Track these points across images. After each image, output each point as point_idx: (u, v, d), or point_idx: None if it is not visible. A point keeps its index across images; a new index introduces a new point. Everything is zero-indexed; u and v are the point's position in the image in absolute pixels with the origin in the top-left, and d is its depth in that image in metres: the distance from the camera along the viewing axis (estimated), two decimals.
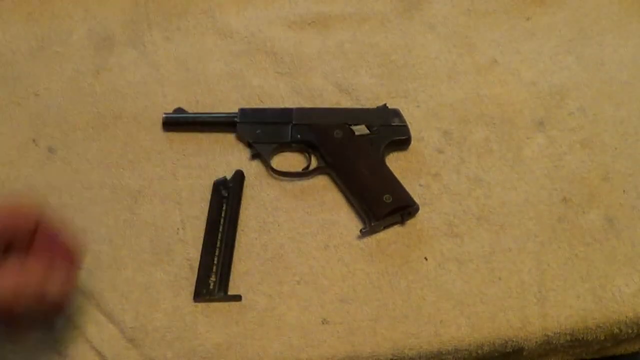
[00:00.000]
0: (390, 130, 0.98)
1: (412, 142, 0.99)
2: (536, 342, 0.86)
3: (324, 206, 0.95)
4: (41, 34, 1.10)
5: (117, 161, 0.98)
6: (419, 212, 0.93)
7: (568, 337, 0.87)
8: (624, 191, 0.96)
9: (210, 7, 1.14)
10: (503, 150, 0.99)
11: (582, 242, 0.92)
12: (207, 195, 0.95)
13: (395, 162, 0.98)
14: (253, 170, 0.98)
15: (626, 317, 0.87)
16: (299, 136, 0.98)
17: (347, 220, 0.94)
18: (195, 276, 0.89)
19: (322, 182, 0.97)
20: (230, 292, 0.88)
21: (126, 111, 1.03)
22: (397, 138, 0.98)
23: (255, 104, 1.04)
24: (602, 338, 0.88)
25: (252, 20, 1.13)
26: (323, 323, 0.86)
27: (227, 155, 0.99)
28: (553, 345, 0.87)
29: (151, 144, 1.00)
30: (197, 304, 0.87)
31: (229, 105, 1.04)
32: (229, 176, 0.96)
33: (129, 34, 1.10)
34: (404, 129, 0.99)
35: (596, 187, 0.96)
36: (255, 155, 0.99)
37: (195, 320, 0.86)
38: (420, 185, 0.96)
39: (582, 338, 0.87)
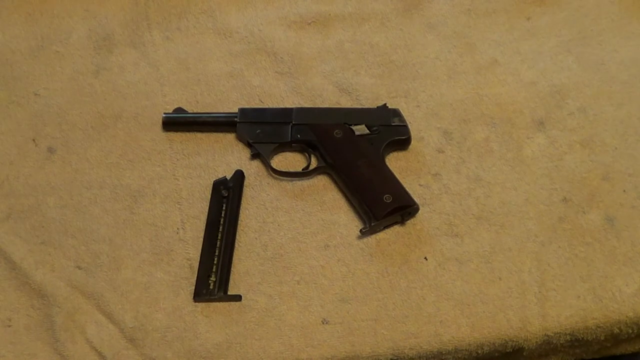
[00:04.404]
0: (390, 130, 0.98)
1: (412, 142, 0.99)
2: (536, 342, 0.86)
3: (324, 206, 0.95)
4: (41, 34, 1.10)
5: (117, 161, 0.98)
6: (419, 212, 0.93)
7: (568, 337, 0.87)
8: (624, 191, 0.96)
9: (210, 7, 1.13)
10: (503, 150, 0.99)
11: (582, 242, 0.92)
12: (207, 195, 0.95)
13: (395, 162, 0.98)
14: (253, 170, 0.98)
15: (626, 317, 0.87)
16: (299, 136, 0.98)
17: (347, 220, 0.94)
18: (195, 276, 0.89)
19: (322, 182, 0.97)
20: (230, 292, 0.88)
21: (126, 111, 1.03)
22: (397, 138, 0.98)
23: (255, 104, 1.04)
24: (602, 338, 0.88)
25: (252, 20, 1.13)
26: (323, 323, 0.86)
27: (227, 155, 0.99)
28: (553, 345, 0.87)
29: (151, 144, 1.00)
30: (197, 304, 0.87)
31: (229, 105, 1.04)
32: (229, 176, 0.96)
33: (129, 33, 1.10)
34: (404, 129, 0.99)
35: (596, 187, 0.96)
36: (255, 155, 0.99)
37: (195, 320, 0.86)
38: (420, 185, 0.96)
39: (582, 338, 0.87)
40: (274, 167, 0.97)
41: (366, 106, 1.03)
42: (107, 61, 1.08)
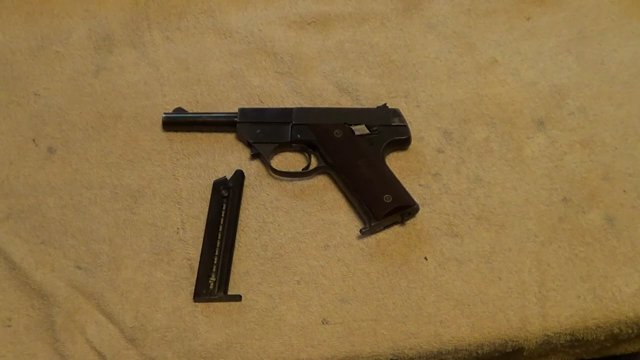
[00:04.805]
0: (390, 130, 0.98)
1: (412, 142, 0.99)
2: (536, 342, 0.86)
3: (324, 206, 0.95)
4: (41, 34, 1.10)
5: (117, 161, 0.98)
6: (419, 212, 0.93)
7: (568, 337, 0.87)
8: (624, 191, 0.96)
9: (210, 7, 1.13)
10: (503, 150, 0.99)
11: (582, 242, 0.92)
12: (207, 195, 0.95)
13: (395, 162, 0.98)
14: (253, 170, 0.98)
15: (626, 317, 0.87)
16: (299, 136, 0.98)
17: (347, 220, 0.94)
18: (195, 276, 0.89)
19: (322, 182, 0.97)
20: (230, 292, 0.88)
21: (126, 111, 1.03)
22: (397, 138, 0.98)
23: (255, 104, 1.04)
24: (602, 338, 0.88)
25: (252, 20, 1.13)
26: (323, 323, 0.86)
27: (227, 155, 0.99)
28: (553, 345, 0.87)
29: (151, 144, 1.00)
30: (197, 304, 0.87)
31: (229, 105, 1.04)
32: (229, 176, 0.96)
33: (129, 33, 1.10)
34: (404, 129, 0.99)
35: (596, 187, 0.96)
36: (255, 155, 0.99)
37: (195, 320, 0.86)
38: (420, 185, 0.96)
39: (582, 338, 0.87)
40: (274, 167, 0.97)
41: (366, 106, 1.03)
42: (107, 61, 1.08)
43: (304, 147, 0.98)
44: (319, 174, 0.98)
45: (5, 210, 0.94)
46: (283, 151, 1.00)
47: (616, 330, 0.87)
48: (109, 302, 0.87)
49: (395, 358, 0.85)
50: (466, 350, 0.86)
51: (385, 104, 1.02)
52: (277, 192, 0.96)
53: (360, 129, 0.98)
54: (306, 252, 0.91)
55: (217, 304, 0.87)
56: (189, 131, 1.01)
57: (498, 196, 0.95)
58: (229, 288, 0.88)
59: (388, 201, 0.91)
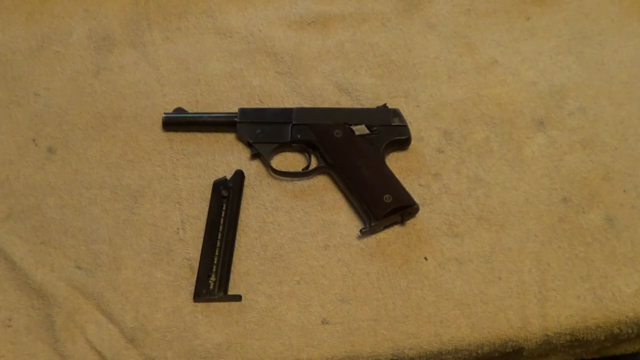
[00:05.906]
0: (390, 130, 0.98)
1: (412, 142, 0.99)
2: (536, 342, 0.86)
3: (324, 206, 0.95)
4: (41, 34, 1.10)
5: (117, 161, 0.98)
6: (419, 212, 0.93)
7: (568, 337, 0.87)
8: (624, 191, 0.96)
9: (210, 7, 1.14)
10: (503, 150, 0.99)
11: (582, 242, 0.92)
12: (207, 195, 0.95)
13: (395, 162, 0.98)
14: (253, 170, 0.98)
15: (626, 317, 0.87)
16: (299, 136, 0.98)
17: (347, 220, 0.94)
18: (195, 276, 0.89)
19: (322, 182, 0.97)
20: (230, 292, 0.88)
21: (126, 111, 1.03)
22: (397, 138, 0.98)
23: (255, 104, 1.04)
24: (602, 338, 0.88)
25: (252, 20, 1.13)
26: (323, 323, 0.86)
27: (227, 155, 0.99)
28: (553, 345, 0.87)
29: (151, 144, 1.00)
30: (197, 304, 0.87)
31: (229, 105, 1.04)
32: (229, 176, 0.96)
33: (129, 33, 1.10)
34: (404, 129, 0.99)
35: (596, 187, 0.96)
36: (255, 155, 0.99)
37: (195, 320, 0.86)
38: (420, 185, 0.96)
39: (582, 338, 0.87)
40: (274, 167, 0.97)
41: (366, 106, 1.03)
42: (107, 61, 1.08)
43: (304, 147, 0.98)
44: (319, 174, 0.98)
45: (5, 210, 0.94)
46: (283, 151, 1.00)
47: (616, 330, 0.87)
48: (109, 302, 0.87)
49: (395, 358, 0.85)
50: (466, 350, 0.86)
51: (385, 104, 1.02)
52: (277, 192, 0.96)
53: (360, 129, 0.98)
54: (306, 252, 0.91)
55: (217, 304, 0.87)
56: (189, 131, 1.01)
57: (498, 196, 0.95)
58: (229, 288, 0.88)
59: (388, 201, 0.91)
